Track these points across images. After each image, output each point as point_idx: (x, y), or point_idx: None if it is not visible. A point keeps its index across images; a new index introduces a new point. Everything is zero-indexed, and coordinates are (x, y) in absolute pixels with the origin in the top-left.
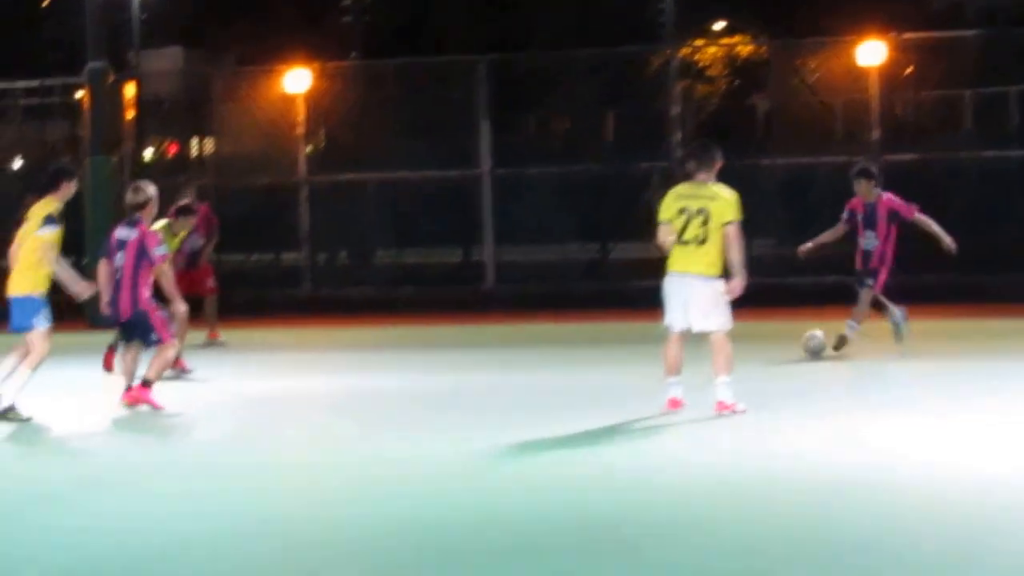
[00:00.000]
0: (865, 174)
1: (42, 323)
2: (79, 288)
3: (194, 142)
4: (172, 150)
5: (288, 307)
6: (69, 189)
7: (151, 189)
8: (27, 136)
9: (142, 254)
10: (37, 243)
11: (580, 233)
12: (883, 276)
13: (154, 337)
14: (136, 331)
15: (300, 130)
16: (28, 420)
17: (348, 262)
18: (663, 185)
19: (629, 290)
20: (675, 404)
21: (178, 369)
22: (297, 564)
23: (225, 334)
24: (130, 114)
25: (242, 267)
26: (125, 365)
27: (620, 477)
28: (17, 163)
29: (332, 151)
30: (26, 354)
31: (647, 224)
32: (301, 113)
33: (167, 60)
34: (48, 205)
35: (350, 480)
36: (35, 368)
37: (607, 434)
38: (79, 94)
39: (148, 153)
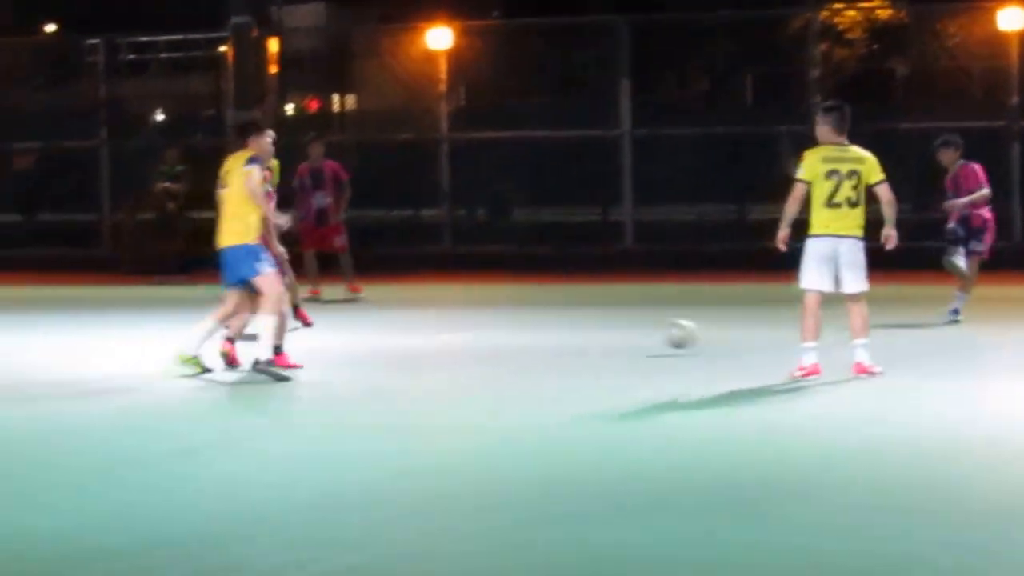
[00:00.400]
0: (953, 144)
1: (266, 267)
2: (281, 220)
3: (335, 98)
4: (313, 106)
5: (427, 263)
6: (258, 144)
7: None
8: (169, 89)
9: None
10: (244, 184)
11: (717, 193)
12: (989, 238)
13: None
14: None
15: (442, 87)
16: (287, 379)
17: (487, 219)
18: (794, 149)
19: (766, 251)
20: (813, 370)
21: (301, 320)
22: (433, 516)
23: (364, 289)
24: (273, 69)
25: (382, 223)
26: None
27: (762, 437)
28: (159, 116)
29: (472, 109)
30: (230, 312)
31: (784, 186)
32: (442, 71)
33: (309, 16)
34: (243, 156)
35: (488, 435)
36: (276, 313)
37: (746, 395)
38: (222, 48)
39: (290, 108)
